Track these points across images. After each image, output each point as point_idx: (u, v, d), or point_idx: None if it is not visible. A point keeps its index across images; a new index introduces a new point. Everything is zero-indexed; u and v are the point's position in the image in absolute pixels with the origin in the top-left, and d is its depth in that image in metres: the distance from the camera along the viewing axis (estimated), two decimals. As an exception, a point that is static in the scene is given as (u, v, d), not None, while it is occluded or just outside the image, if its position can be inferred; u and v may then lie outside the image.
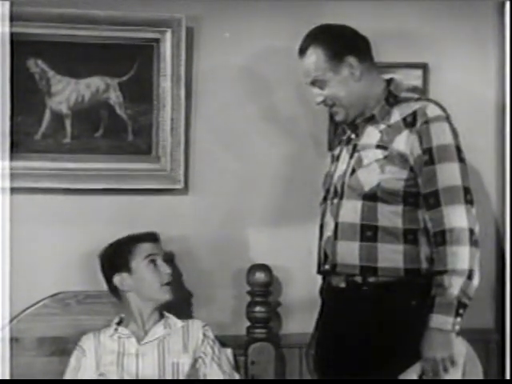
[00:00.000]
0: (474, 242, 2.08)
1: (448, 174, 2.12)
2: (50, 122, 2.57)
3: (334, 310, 2.27)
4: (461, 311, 2.07)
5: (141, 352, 2.39)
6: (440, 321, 2.06)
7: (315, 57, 2.23)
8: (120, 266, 2.42)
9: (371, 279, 2.16)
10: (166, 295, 2.42)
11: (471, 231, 2.08)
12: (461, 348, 2.12)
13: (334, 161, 2.36)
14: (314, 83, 2.26)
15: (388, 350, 2.10)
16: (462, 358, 2.11)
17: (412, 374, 2.10)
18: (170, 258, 2.57)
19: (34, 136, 2.56)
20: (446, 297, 2.06)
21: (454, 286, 2.06)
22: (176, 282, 2.54)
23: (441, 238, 2.10)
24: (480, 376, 2.19)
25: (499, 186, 2.79)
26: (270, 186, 2.70)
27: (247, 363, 2.57)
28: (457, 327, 2.07)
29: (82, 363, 2.39)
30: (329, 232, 2.25)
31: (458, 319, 2.07)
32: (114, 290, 2.46)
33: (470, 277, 2.07)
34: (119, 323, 2.45)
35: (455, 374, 2.09)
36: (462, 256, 2.07)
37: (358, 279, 2.18)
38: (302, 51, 2.26)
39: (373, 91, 2.25)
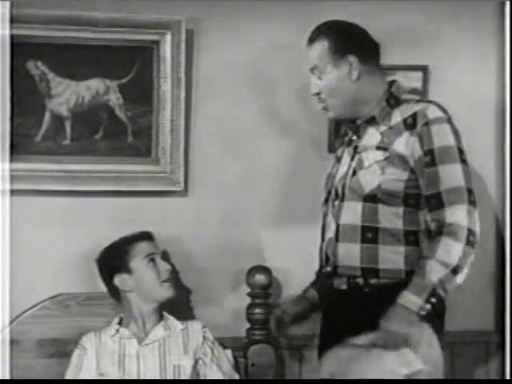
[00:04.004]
0: (470, 242, 2.07)
1: (450, 176, 2.11)
2: (50, 124, 2.57)
3: (336, 311, 2.27)
4: (433, 300, 2.05)
5: (141, 353, 2.39)
6: (408, 298, 2.06)
7: (320, 48, 2.25)
8: (119, 267, 2.42)
9: (372, 281, 2.17)
10: (167, 292, 2.42)
11: (470, 231, 2.07)
12: (424, 334, 2.08)
13: (336, 162, 2.37)
14: (313, 70, 2.27)
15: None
16: (424, 344, 2.07)
17: (362, 339, 2.10)
18: (168, 258, 2.57)
19: (34, 138, 2.56)
20: (423, 279, 2.05)
21: (434, 273, 2.05)
22: (175, 284, 2.54)
23: (439, 230, 2.09)
24: (439, 366, 2.11)
25: (499, 186, 2.80)
26: (270, 188, 2.70)
27: (247, 365, 2.57)
28: (422, 312, 2.05)
29: (83, 362, 2.39)
30: (330, 234, 2.25)
31: (428, 306, 2.05)
32: (114, 292, 2.46)
33: (454, 271, 2.06)
34: (119, 323, 2.46)
35: (410, 358, 2.03)
36: (453, 250, 2.06)
37: (360, 281, 2.19)
38: (310, 41, 2.28)
39: (372, 93, 2.25)
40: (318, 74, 2.26)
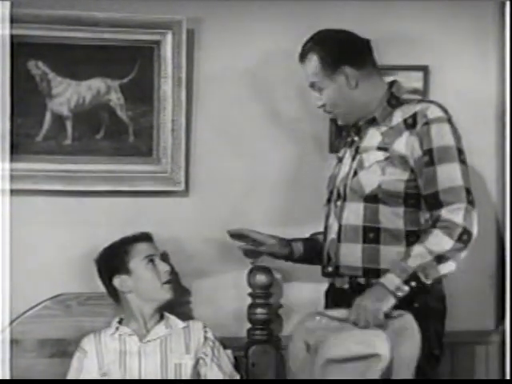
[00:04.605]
0: (462, 240, 2.06)
1: (448, 175, 2.11)
2: (51, 124, 2.57)
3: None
4: (412, 283, 2.05)
5: (143, 350, 2.39)
6: (387, 277, 2.07)
7: (313, 63, 2.25)
8: (118, 267, 2.42)
9: (374, 280, 2.16)
10: (166, 294, 2.42)
11: (464, 230, 2.07)
12: (402, 318, 2.06)
13: (338, 163, 2.37)
14: (312, 87, 2.28)
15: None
16: (405, 331, 2.05)
17: (339, 311, 2.11)
18: (167, 260, 2.57)
19: (35, 138, 2.56)
20: (406, 262, 2.06)
21: (418, 257, 2.05)
22: (176, 284, 2.54)
23: (434, 224, 2.10)
24: (415, 347, 2.07)
25: (499, 186, 2.79)
26: (272, 188, 2.70)
27: (248, 365, 2.57)
28: (399, 293, 2.05)
29: (84, 364, 2.39)
30: (333, 234, 2.26)
31: (406, 288, 2.05)
32: (112, 293, 2.46)
33: (438, 260, 2.06)
34: (119, 323, 2.46)
35: (374, 340, 2.01)
36: (442, 242, 2.06)
37: (361, 280, 2.19)
38: (302, 57, 2.28)
39: (373, 95, 2.26)
40: (317, 89, 2.27)
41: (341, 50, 2.25)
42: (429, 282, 2.07)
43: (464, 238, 2.07)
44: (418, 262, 2.05)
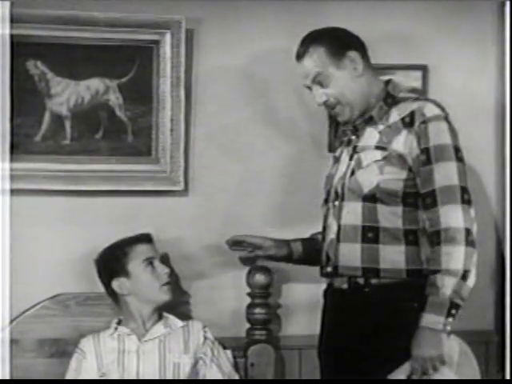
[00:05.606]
0: (470, 242, 2.07)
1: (445, 174, 2.11)
2: (50, 124, 2.57)
3: (337, 310, 2.27)
4: (453, 311, 2.06)
5: (142, 350, 2.39)
6: (431, 320, 2.06)
7: (316, 55, 2.24)
8: (117, 270, 2.42)
9: (373, 280, 2.17)
10: (165, 296, 2.42)
11: (467, 231, 2.07)
12: (453, 346, 2.11)
13: (335, 162, 2.37)
14: (315, 81, 2.25)
15: (389, 350, 2.10)
16: (456, 355, 2.10)
17: (401, 373, 2.09)
18: (167, 261, 2.57)
19: (34, 137, 2.56)
20: (438, 296, 2.05)
21: (447, 286, 2.05)
22: (175, 284, 2.53)
23: (436, 237, 2.09)
24: (475, 371, 2.16)
25: (499, 186, 2.79)
26: (270, 188, 2.69)
27: (247, 365, 2.56)
28: (448, 327, 2.06)
29: (82, 366, 2.39)
30: (332, 235, 2.25)
31: (450, 319, 2.06)
32: (111, 294, 2.46)
33: (464, 277, 2.06)
34: (119, 323, 2.46)
35: (448, 373, 2.07)
36: (456, 256, 2.06)
37: (360, 280, 2.19)
38: (301, 54, 2.27)
39: (372, 90, 2.26)
40: (321, 80, 2.24)
41: (343, 38, 2.26)
42: (464, 301, 2.07)
43: (470, 239, 2.07)
44: (449, 291, 2.05)
